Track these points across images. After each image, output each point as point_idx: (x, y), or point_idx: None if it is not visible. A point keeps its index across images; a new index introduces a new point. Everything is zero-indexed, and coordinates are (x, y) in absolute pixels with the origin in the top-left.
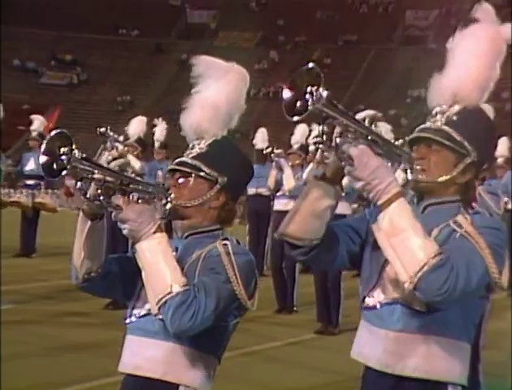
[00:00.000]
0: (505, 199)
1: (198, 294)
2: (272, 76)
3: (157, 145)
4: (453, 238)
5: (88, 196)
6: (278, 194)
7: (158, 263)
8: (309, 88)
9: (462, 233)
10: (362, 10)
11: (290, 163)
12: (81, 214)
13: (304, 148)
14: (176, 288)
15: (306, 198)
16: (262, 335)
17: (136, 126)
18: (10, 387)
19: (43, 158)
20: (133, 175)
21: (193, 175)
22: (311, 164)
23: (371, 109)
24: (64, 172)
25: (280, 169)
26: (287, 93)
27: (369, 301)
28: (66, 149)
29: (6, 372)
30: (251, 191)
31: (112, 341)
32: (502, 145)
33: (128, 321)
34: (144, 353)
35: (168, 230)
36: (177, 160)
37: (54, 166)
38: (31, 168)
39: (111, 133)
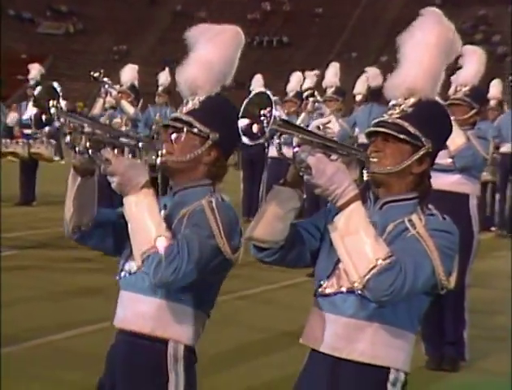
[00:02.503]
0: (496, 140)
1: (181, 249)
2: (265, 26)
3: (160, 89)
4: (404, 237)
5: (77, 149)
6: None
7: (144, 217)
8: (262, 111)
9: (414, 233)
10: None
11: (286, 111)
12: (72, 170)
13: (299, 95)
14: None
15: (271, 203)
16: (256, 280)
17: (128, 73)
18: (15, 330)
19: (32, 110)
20: (127, 123)
21: (185, 130)
22: (303, 114)
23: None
24: (51, 125)
25: None
26: (243, 122)
27: (324, 290)
28: (54, 101)
29: (10, 316)
30: None
31: (114, 286)
32: (495, 86)
33: (119, 277)
34: (134, 309)
35: (155, 186)
36: (171, 116)
37: (43, 118)
38: (28, 117)
39: (105, 79)
